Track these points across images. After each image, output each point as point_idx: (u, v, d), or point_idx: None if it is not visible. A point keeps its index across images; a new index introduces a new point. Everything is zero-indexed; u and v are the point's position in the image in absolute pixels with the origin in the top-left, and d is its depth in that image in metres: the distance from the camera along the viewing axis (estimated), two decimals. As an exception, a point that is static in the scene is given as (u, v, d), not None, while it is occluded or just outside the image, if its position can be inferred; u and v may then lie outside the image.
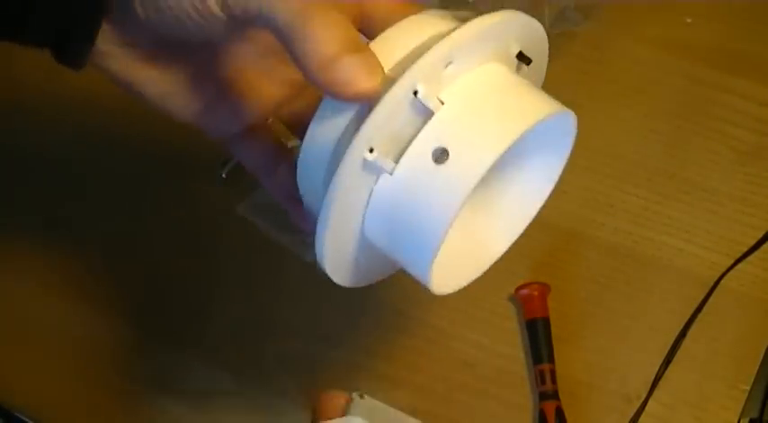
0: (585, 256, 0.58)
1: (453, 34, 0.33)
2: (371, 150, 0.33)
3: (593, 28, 0.62)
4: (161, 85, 0.39)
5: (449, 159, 0.33)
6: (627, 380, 0.54)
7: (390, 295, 0.55)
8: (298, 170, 0.37)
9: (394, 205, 0.34)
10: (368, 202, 0.35)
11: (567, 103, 0.68)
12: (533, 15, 0.61)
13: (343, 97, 0.33)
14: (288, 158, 0.42)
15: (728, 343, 0.54)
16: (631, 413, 0.52)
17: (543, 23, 0.60)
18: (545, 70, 0.40)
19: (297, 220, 0.41)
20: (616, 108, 0.62)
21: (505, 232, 0.41)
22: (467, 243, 0.40)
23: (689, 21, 0.66)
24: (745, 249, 0.57)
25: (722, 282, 0.56)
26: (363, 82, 0.33)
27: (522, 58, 0.37)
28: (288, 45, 0.33)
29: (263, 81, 0.41)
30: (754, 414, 0.52)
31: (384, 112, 0.32)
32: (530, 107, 0.35)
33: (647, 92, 0.63)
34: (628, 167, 0.60)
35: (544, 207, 0.61)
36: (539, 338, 0.54)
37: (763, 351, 0.54)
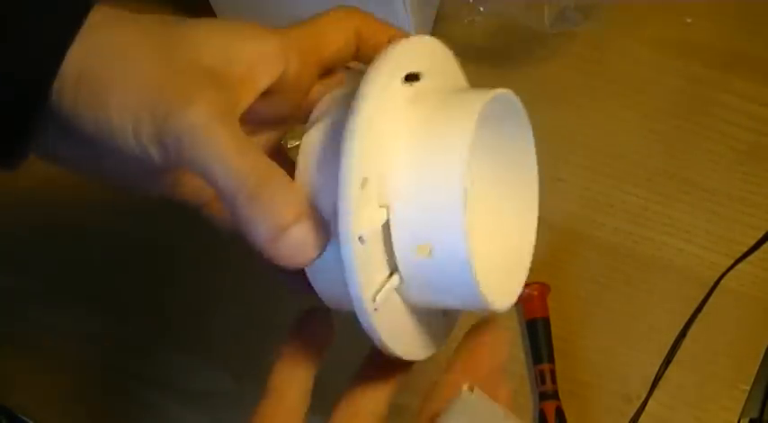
0: (585, 256, 0.58)
1: (346, 162, 0.31)
2: (374, 299, 0.33)
3: (593, 28, 0.62)
4: (121, 172, 0.37)
5: (432, 247, 0.33)
6: (627, 380, 0.54)
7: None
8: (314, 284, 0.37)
9: (422, 291, 0.35)
10: (401, 298, 0.36)
11: (567, 103, 0.69)
12: (533, 15, 0.61)
13: (290, 268, 0.32)
14: None
15: (728, 343, 0.54)
16: (631, 413, 0.52)
17: (543, 23, 0.60)
18: (458, 68, 0.39)
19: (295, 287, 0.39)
20: (616, 108, 0.62)
21: (525, 225, 0.41)
22: (500, 252, 0.40)
23: (689, 21, 0.66)
24: (745, 249, 0.57)
25: (722, 282, 0.56)
26: (307, 255, 0.32)
27: (410, 78, 0.35)
28: (229, 207, 0.31)
29: None
30: (754, 414, 0.53)
31: (357, 272, 0.32)
32: (456, 138, 0.33)
33: (647, 92, 0.63)
34: (628, 167, 0.60)
35: (544, 207, 0.61)
36: (539, 338, 0.54)
37: (763, 351, 0.54)
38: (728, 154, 0.60)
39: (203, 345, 0.57)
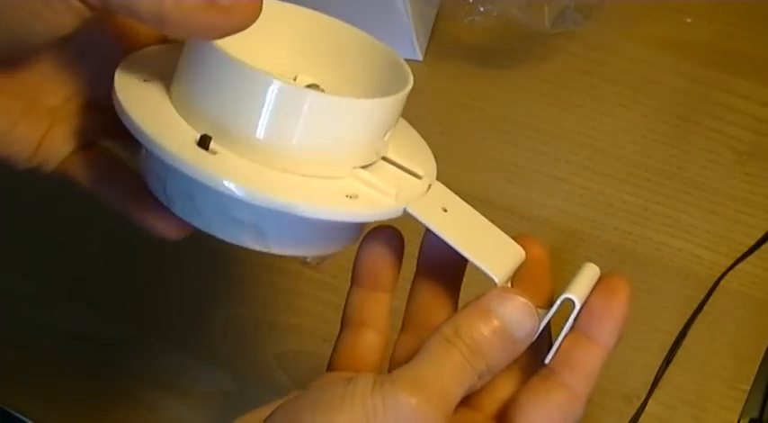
0: (585, 257, 0.57)
1: None
2: None
3: (593, 28, 0.62)
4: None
5: None
6: (627, 380, 0.54)
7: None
8: None
9: None
10: None
11: (567, 103, 0.68)
12: (533, 15, 0.61)
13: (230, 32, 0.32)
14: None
15: (728, 343, 0.54)
16: (631, 413, 0.52)
17: (543, 23, 0.60)
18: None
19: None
20: (616, 108, 0.62)
21: None
22: None
23: (689, 21, 0.66)
24: (745, 249, 0.57)
25: (722, 282, 0.56)
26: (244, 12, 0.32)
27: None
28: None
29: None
30: (754, 414, 0.52)
31: None
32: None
33: (647, 92, 0.63)
34: (628, 167, 0.60)
35: (544, 207, 0.61)
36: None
37: (763, 351, 0.54)
38: (729, 154, 0.60)
39: (203, 345, 0.57)
